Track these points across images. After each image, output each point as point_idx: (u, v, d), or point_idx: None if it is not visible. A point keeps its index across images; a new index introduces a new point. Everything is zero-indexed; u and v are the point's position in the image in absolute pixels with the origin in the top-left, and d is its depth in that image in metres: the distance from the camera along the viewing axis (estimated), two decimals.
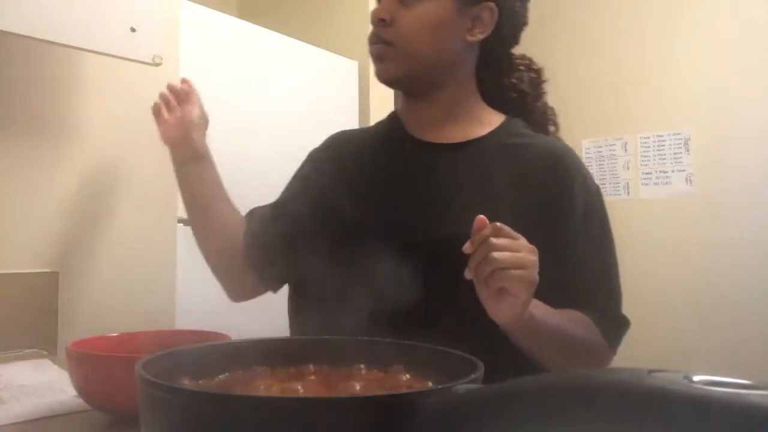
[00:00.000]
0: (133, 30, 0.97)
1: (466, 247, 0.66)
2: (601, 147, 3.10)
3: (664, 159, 2.94)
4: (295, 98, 2.21)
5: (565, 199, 0.86)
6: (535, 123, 0.95)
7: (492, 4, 0.86)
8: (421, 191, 0.88)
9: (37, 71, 1.47)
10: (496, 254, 0.64)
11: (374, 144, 0.97)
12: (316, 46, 2.32)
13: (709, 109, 2.81)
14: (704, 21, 2.84)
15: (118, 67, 1.60)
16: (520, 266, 0.65)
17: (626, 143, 3.04)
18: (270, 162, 2.12)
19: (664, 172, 2.93)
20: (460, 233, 0.71)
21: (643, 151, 3.00)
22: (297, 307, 0.98)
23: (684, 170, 2.88)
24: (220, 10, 2.01)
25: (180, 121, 1.08)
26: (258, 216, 1.05)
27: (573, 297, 0.83)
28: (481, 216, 0.67)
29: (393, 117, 1.00)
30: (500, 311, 0.68)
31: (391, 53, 0.86)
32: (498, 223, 0.67)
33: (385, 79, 0.90)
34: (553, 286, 0.76)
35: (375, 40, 0.88)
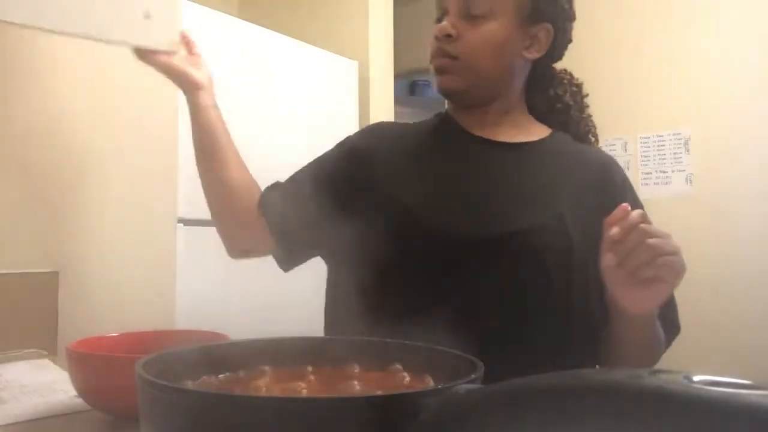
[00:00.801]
0: (147, 16, 0.95)
1: (614, 233, 0.65)
2: (601, 147, 3.10)
3: (664, 159, 2.94)
4: (295, 98, 2.21)
5: (617, 202, 0.88)
6: (578, 134, 1.00)
7: (549, 25, 0.91)
8: (480, 185, 0.90)
9: (37, 68, 1.47)
10: (652, 241, 0.65)
11: (428, 135, 0.98)
12: (316, 46, 2.32)
13: (709, 109, 2.81)
14: (704, 21, 2.84)
15: (119, 67, 1.60)
16: (674, 252, 0.66)
17: (626, 143, 3.04)
18: (270, 162, 2.11)
19: (664, 172, 2.93)
20: (524, 229, 0.80)
21: (643, 151, 3.00)
22: (336, 298, 0.97)
23: (684, 170, 2.88)
24: (220, 10, 2.01)
25: (204, 63, 1.10)
26: (288, 188, 1.03)
27: None
28: (624, 204, 0.68)
29: (444, 116, 1.00)
30: (645, 300, 0.70)
31: (454, 67, 0.89)
32: (640, 210, 0.68)
33: (446, 90, 0.92)
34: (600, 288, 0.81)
35: (440, 53, 0.90)
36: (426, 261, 0.85)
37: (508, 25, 0.88)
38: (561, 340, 0.84)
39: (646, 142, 2.99)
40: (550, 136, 0.96)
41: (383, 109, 2.56)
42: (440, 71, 0.91)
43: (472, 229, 0.85)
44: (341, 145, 1.03)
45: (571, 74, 1.03)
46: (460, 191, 0.90)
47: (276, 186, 1.04)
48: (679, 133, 2.90)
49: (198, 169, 1.02)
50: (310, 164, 1.05)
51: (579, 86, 1.03)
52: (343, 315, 0.94)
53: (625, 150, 3.04)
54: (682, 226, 2.82)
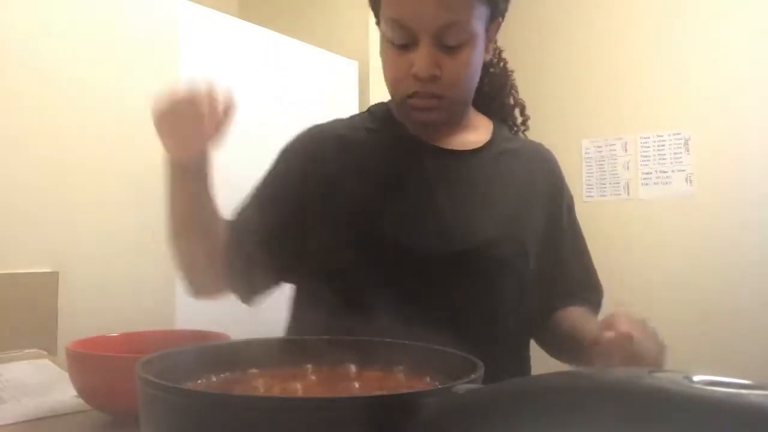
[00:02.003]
0: None
1: (608, 337, 0.67)
2: (601, 147, 3.10)
3: (664, 159, 2.94)
4: (295, 98, 2.21)
5: (558, 204, 0.96)
6: (503, 100, 1.00)
7: (500, 19, 0.86)
8: (438, 199, 0.86)
9: (37, 68, 1.47)
10: (636, 339, 0.68)
11: (383, 145, 0.91)
12: (316, 46, 2.32)
13: (709, 109, 2.81)
14: (704, 21, 2.84)
15: (119, 67, 1.60)
16: (655, 344, 0.71)
17: (626, 143, 3.04)
18: (270, 161, 2.11)
19: (664, 172, 2.93)
20: (491, 239, 0.84)
21: (643, 151, 3.00)
22: (300, 314, 0.95)
23: (684, 170, 2.88)
24: (220, 10, 2.01)
25: (221, 121, 0.82)
26: (244, 222, 0.92)
27: (566, 289, 0.95)
28: (621, 317, 0.70)
29: (388, 117, 0.93)
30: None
31: (440, 105, 0.83)
32: (636, 318, 0.71)
33: (428, 124, 0.87)
34: (547, 280, 0.92)
35: (424, 95, 0.81)
36: (387, 276, 0.82)
37: (479, 43, 0.81)
38: (515, 338, 0.91)
39: (646, 142, 2.99)
40: (495, 132, 0.94)
41: None
42: (423, 109, 0.83)
43: (430, 245, 0.83)
44: (282, 163, 0.97)
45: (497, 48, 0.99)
46: (416, 205, 0.86)
47: (235, 223, 0.92)
48: (679, 133, 2.90)
49: (175, 242, 0.90)
50: (251, 196, 0.96)
51: (498, 52, 0.99)
52: (304, 330, 0.91)
53: (625, 150, 3.04)
54: (682, 226, 2.83)
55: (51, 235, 1.44)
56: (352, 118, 0.99)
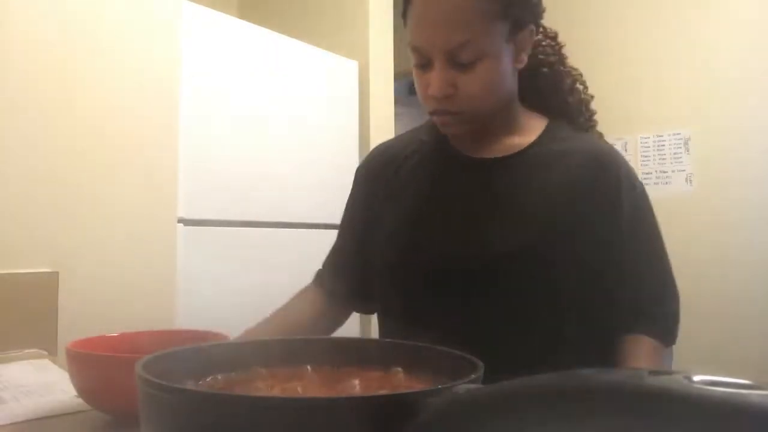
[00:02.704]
0: None
1: None
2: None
3: (664, 159, 2.94)
4: (295, 98, 2.21)
5: (612, 207, 0.87)
6: (566, 90, 0.96)
7: (531, 26, 0.85)
8: (476, 205, 0.88)
9: (37, 68, 1.47)
10: None
11: (424, 161, 0.96)
12: (316, 46, 2.32)
13: (709, 109, 2.81)
14: (704, 21, 2.84)
15: (119, 67, 1.60)
16: None
17: (626, 143, 3.05)
18: (270, 162, 2.12)
19: (664, 172, 2.93)
20: (515, 250, 0.82)
21: (643, 151, 3.00)
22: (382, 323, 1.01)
23: (684, 170, 2.88)
24: (220, 10, 2.01)
25: None
26: (332, 266, 1.05)
27: (625, 299, 0.87)
28: None
29: (437, 133, 0.96)
30: None
31: (460, 120, 0.85)
32: None
33: (452, 134, 0.92)
34: (602, 285, 0.84)
35: (440, 112, 0.85)
36: (425, 282, 0.88)
37: (497, 57, 0.81)
38: (550, 346, 0.85)
39: (646, 142, 2.99)
40: (544, 132, 0.92)
41: (383, 109, 2.56)
42: (444, 125, 0.88)
43: (459, 256, 0.86)
44: (353, 188, 1.06)
45: (543, 27, 0.95)
46: (450, 220, 0.90)
47: (323, 268, 1.06)
48: (679, 133, 2.90)
49: None
50: (340, 228, 1.07)
51: (554, 37, 0.97)
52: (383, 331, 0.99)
53: (625, 150, 3.04)
54: (682, 226, 2.83)
55: (51, 235, 1.44)
56: (420, 127, 1.04)
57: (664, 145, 2.94)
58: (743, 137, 2.72)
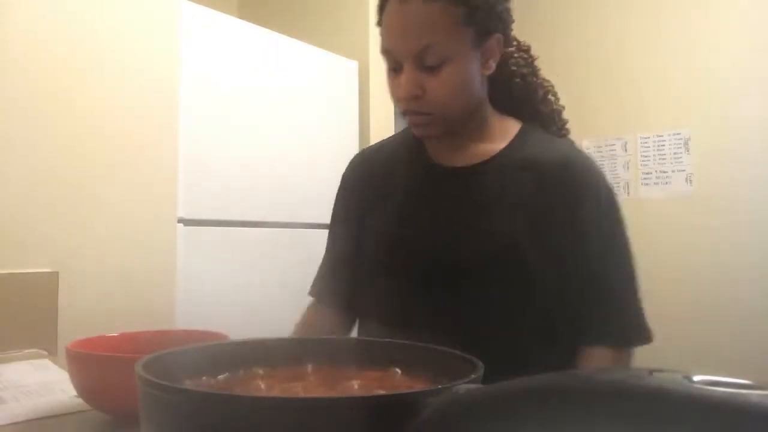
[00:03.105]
0: None
1: None
2: (601, 147, 3.10)
3: (664, 159, 2.94)
4: (295, 98, 2.21)
5: (580, 209, 0.90)
6: (538, 101, 1.00)
7: (498, 35, 0.89)
8: (447, 213, 0.94)
9: (36, 68, 1.47)
10: None
11: (399, 170, 1.02)
12: (316, 46, 2.33)
13: (709, 109, 2.81)
14: (704, 21, 2.84)
15: (119, 67, 1.60)
16: None
17: (626, 143, 3.05)
18: (270, 162, 2.12)
19: (664, 172, 2.93)
20: (486, 249, 0.87)
21: (643, 151, 3.00)
22: (361, 329, 1.06)
23: (684, 170, 2.88)
24: (220, 10, 2.01)
25: None
26: (333, 280, 1.09)
27: (588, 306, 0.89)
28: None
29: (413, 140, 1.02)
30: None
31: (429, 120, 0.90)
32: None
33: (426, 137, 0.97)
34: (569, 290, 0.87)
35: (410, 112, 0.91)
36: (402, 279, 0.93)
37: (463, 61, 0.86)
38: (527, 343, 0.88)
39: (646, 142, 2.99)
40: (517, 137, 0.96)
41: (383, 109, 2.56)
42: (416, 125, 0.93)
43: (432, 259, 0.92)
44: (337, 194, 1.12)
45: (517, 41, 1.00)
46: (422, 226, 0.95)
47: (321, 285, 1.10)
48: (679, 133, 2.90)
49: None
50: (329, 234, 1.13)
51: (528, 50, 1.01)
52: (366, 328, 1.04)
53: (625, 150, 3.04)
54: (682, 226, 2.83)
55: (51, 235, 1.44)
56: (398, 135, 1.10)
57: (664, 145, 2.94)
58: (743, 137, 2.72)
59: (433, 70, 0.85)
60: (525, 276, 0.87)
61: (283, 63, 2.19)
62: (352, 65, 2.46)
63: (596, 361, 0.87)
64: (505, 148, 0.94)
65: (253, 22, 2.14)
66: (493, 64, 0.91)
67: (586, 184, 0.91)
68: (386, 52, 0.89)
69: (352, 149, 2.42)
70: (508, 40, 0.93)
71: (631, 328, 0.90)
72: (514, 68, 0.98)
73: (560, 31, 3.18)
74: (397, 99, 0.91)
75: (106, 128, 1.57)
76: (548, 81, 1.02)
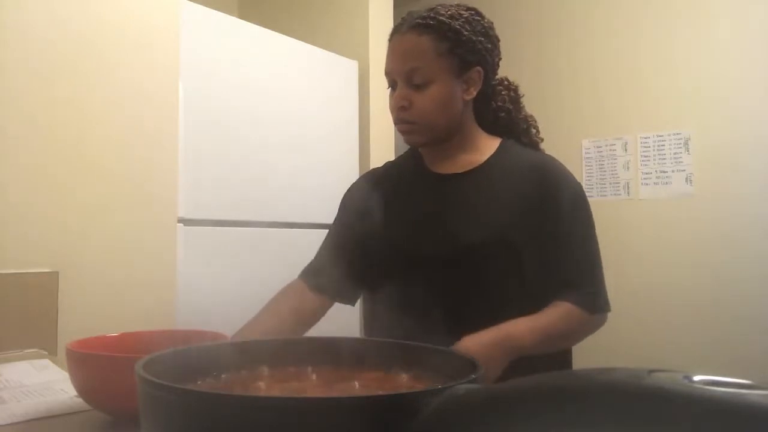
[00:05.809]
0: None
1: None
2: (601, 147, 3.10)
3: (664, 159, 2.94)
4: (295, 98, 2.21)
5: (552, 202, 1.07)
6: (519, 132, 1.18)
7: (478, 68, 1.07)
8: (441, 214, 1.10)
9: (36, 68, 1.47)
10: None
11: (403, 178, 1.20)
12: (316, 46, 2.32)
13: (709, 109, 2.81)
14: (704, 21, 2.84)
15: (119, 67, 1.60)
16: None
17: (626, 143, 3.04)
18: (270, 162, 2.12)
19: (664, 172, 2.93)
20: (477, 242, 1.04)
21: (643, 151, 3.00)
22: (372, 315, 1.19)
23: (684, 170, 2.88)
24: (220, 10, 2.01)
25: None
26: (319, 265, 1.22)
27: (561, 276, 1.06)
28: None
29: (415, 154, 1.22)
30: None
31: (414, 129, 1.09)
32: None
33: (413, 144, 1.14)
34: (546, 267, 1.05)
35: (399, 121, 1.09)
36: (403, 275, 1.08)
37: (446, 84, 1.06)
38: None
39: (646, 142, 2.99)
40: (497, 151, 1.13)
41: (383, 109, 2.56)
42: (404, 133, 1.11)
43: (434, 249, 1.07)
44: (343, 208, 1.26)
45: (507, 81, 1.19)
46: (425, 221, 1.11)
47: (311, 265, 1.23)
48: (679, 133, 2.90)
49: None
50: (328, 235, 1.25)
51: (515, 89, 1.19)
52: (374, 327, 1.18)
53: (625, 150, 3.04)
54: (682, 226, 2.83)
55: (51, 235, 1.44)
56: (401, 155, 1.28)
57: (664, 145, 2.94)
58: (743, 137, 2.72)
59: (419, 87, 1.05)
60: (512, 258, 1.04)
61: (283, 63, 2.19)
62: (352, 65, 2.46)
63: (559, 308, 1.02)
64: (490, 158, 1.12)
65: (253, 22, 2.14)
66: (474, 91, 1.09)
67: (560, 183, 1.08)
68: (387, 73, 1.10)
69: (352, 149, 2.41)
70: (491, 73, 1.11)
71: (591, 294, 1.06)
72: (500, 104, 1.17)
73: (561, 31, 3.18)
74: (391, 110, 1.11)
75: (106, 128, 1.57)
76: (531, 116, 1.21)
